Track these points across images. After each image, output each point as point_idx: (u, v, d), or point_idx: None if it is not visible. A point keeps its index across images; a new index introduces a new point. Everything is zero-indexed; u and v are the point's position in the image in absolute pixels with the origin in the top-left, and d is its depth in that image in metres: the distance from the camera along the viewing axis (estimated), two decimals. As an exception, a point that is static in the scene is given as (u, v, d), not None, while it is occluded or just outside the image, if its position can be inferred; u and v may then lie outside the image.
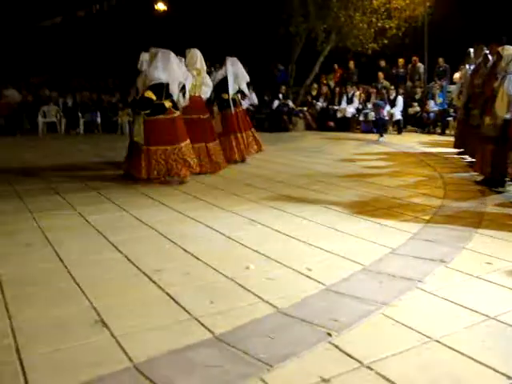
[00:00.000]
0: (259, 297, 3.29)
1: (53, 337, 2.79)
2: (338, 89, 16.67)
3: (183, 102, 7.89)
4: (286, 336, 2.76)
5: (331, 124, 15.76)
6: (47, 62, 21.18)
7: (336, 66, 17.84)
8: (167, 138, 7.43)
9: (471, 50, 9.64)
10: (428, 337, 2.71)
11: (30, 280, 3.68)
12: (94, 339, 2.76)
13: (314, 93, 17.26)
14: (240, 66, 9.63)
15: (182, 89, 7.75)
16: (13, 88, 17.46)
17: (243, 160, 9.47)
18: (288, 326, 2.89)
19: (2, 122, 16.36)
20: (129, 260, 4.07)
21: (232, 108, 9.37)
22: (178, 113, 7.68)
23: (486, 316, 2.96)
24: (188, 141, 7.64)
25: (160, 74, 7.31)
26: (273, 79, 17.97)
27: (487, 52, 8.31)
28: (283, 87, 16.95)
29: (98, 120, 16.74)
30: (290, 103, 16.59)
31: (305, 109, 16.70)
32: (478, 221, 5.13)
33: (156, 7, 22.55)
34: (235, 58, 9.58)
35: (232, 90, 9.37)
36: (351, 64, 17.45)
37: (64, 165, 9.59)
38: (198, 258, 4.07)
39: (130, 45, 15.10)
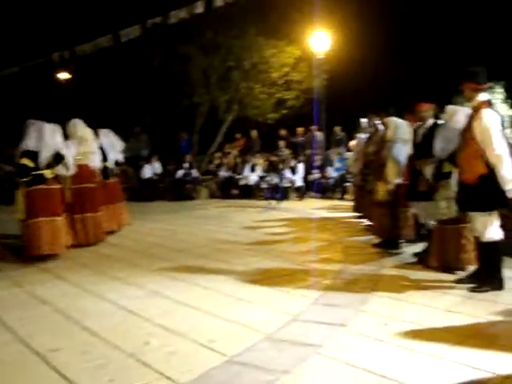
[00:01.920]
0: (160, 373, 3.20)
1: None
2: (240, 158, 17.06)
3: (66, 172, 7.80)
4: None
5: (235, 192, 16.00)
6: None
7: (238, 136, 18.33)
8: (49, 209, 7.21)
9: (363, 120, 10.24)
10: (328, 403, 2.74)
11: None
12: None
13: (218, 161, 17.55)
14: (112, 135, 9.81)
15: (61, 159, 7.66)
16: None
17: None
18: (189, 401, 2.82)
19: None
20: (21, 341, 3.84)
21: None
22: (60, 185, 7.54)
23: (384, 377, 3.04)
24: (61, 217, 7.43)
25: (31, 142, 7.20)
26: (177, 148, 18.15)
27: (378, 122, 8.86)
28: (188, 156, 17.12)
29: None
30: (194, 172, 16.74)
31: (208, 177, 16.90)
32: (375, 283, 5.33)
33: (58, 76, 22.34)
34: (107, 129, 9.71)
35: (110, 159, 9.52)
36: (253, 133, 17.99)
37: None
38: (97, 335, 3.91)
39: (30, 113, 14.77)
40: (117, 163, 10.02)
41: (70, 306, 4.70)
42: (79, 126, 8.48)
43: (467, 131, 4.91)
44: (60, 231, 7.23)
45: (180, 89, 16.54)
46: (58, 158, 7.48)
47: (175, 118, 18.23)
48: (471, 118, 4.90)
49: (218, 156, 17.76)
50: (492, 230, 4.91)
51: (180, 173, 16.61)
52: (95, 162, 8.71)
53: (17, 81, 21.62)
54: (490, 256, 4.97)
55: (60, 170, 7.61)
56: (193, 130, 18.50)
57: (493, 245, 4.93)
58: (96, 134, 9.09)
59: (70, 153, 7.86)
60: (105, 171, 9.31)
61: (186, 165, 16.81)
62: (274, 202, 13.57)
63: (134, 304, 4.70)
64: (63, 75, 22.46)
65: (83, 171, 8.27)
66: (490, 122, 4.72)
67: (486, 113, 4.74)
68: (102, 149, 9.19)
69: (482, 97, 4.90)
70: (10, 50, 19.40)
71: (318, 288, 5.16)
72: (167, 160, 17.33)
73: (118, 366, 3.33)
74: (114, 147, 9.77)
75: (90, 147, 8.53)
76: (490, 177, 4.74)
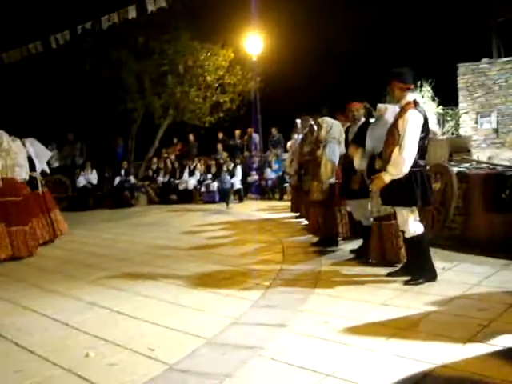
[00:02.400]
0: (99, 385, 3.13)
1: None
2: (178, 162, 16.97)
3: None
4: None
5: (174, 197, 15.90)
6: None
7: (175, 140, 18.22)
8: None
9: (298, 120, 10.40)
10: (270, 404, 2.76)
11: None
12: None
13: (155, 167, 17.38)
14: (39, 145, 9.57)
15: None
16: None
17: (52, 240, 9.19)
18: (130, 413, 2.78)
19: None
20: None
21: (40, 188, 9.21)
22: None
23: (325, 374, 3.08)
24: None
25: None
26: (113, 155, 17.86)
27: (312, 122, 9.00)
28: (125, 162, 16.88)
29: None
30: (132, 179, 16.52)
31: (146, 183, 16.72)
32: (314, 281, 5.40)
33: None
34: (33, 139, 9.46)
35: (38, 169, 9.27)
36: (191, 137, 17.94)
37: None
38: (32, 352, 3.79)
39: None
40: (43, 173, 9.71)
41: (3, 324, 4.53)
42: (3, 138, 8.21)
43: (393, 127, 5.07)
44: None
45: (114, 94, 16.28)
46: None
47: (110, 124, 17.93)
48: (398, 116, 5.07)
49: (155, 161, 17.60)
50: (413, 224, 5.09)
51: (117, 180, 16.35)
52: (21, 175, 8.44)
53: None
54: (417, 249, 5.14)
55: None
56: (128, 136, 18.25)
57: (417, 238, 5.10)
58: (23, 144, 8.83)
59: None
60: (32, 182, 9.03)
61: (123, 172, 16.56)
62: (225, 206, 13.57)
63: (71, 317, 4.57)
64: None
65: (8, 184, 8.02)
66: (412, 123, 4.89)
67: (410, 113, 4.91)
68: (29, 158, 8.91)
69: (410, 97, 5.07)
70: None
71: (258, 290, 5.18)
72: (103, 167, 17.02)
73: (54, 383, 3.24)
74: (41, 156, 9.45)
75: (15, 160, 8.27)
76: (414, 173, 4.93)
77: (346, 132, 6.79)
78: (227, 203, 13.84)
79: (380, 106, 5.99)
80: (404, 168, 4.88)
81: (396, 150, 4.91)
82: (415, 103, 5.00)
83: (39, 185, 9.21)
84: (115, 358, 3.56)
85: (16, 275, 6.70)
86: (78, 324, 4.38)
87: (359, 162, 6.03)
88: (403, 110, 4.98)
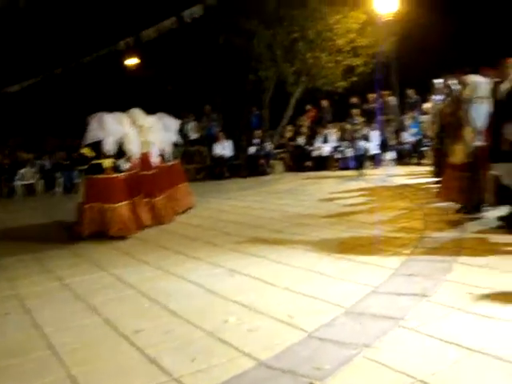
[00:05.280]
0: (240, 350, 3.21)
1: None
2: (311, 129, 16.88)
3: (127, 166, 8.05)
4: (269, 390, 2.70)
5: (309, 164, 15.86)
6: (20, 123, 21.16)
7: (309, 107, 18.09)
8: (104, 196, 7.60)
9: (435, 81, 9.83)
10: (412, 377, 2.66)
11: (8, 351, 3.57)
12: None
13: (290, 135, 17.42)
14: (167, 118, 9.81)
15: (123, 154, 7.94)
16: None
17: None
18: (270, 379, 2.82)
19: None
20: (107, 323, 3.98)
21: None
22: (117, 174, 7.84)
23: (471, 350, 2.91)
24: (125, 202, 7.69)
25: (93, 134, 7.63)
26: (248, 125, 18.16)
27: (453, 82, 8.45)
28: (259, 131, 17.11)
29: (76, 179, 16.61)
30: (268, 146, 16.72)
31: (282, 151, 16.84)
32: (458, 250, 5.13)
33: (127, 63, 22.75)
34: (161, 113, 9.69)
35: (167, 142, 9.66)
36: (324, 103, 17.70)
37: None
38: (177, 315, 3.99)
39: (103, 103, 15.21)
40: (176, 144, 10.09)
41: (152, 288, 4.82)
42: (138, 115, 8.63)
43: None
44: (121, 216, 7.49)
45: (247, 64, 16.48)
46: (120, 152, 7.78)
47: (244, 94, 18.21)
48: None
49: (290, 129, 17.63)
50: None
51: (252, 148, 16.64)
52: (154, 151, 8.87)
53: (85, 72, 22.19)
54: None
55: (121, 163, 7.89)
56: (262, 105, 18.43)
57: None
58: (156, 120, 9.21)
59: (134, 142, 8.10)
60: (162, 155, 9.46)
61: (257, 140, 16.80)
62: (359, 172, 13.34)
63: (212, 283, 4.76)
64: (130, 61, 22.82)
65: (143, 160, 8.49)
66: None
67: None
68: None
69: None
70: (74, 43, 19.89)
71: (398, 258, 5.02)
72: (239, 136, 17.37)
73: (198, 345, 3.38)
74: (170, 129, 9.76)
75: (149, 136, 8.68)
76: None
77: (495, 89, 6.26)
78: (361, 169, 13.55)
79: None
80: None
81: None
82: None
83: (170, 157, 9.64)
84: (254, 324, 3.64)
85: (161, 242, 7.09)
86: (219, 290, 4.53)
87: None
88: None
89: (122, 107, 8.65)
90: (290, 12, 16.16)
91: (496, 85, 6.27)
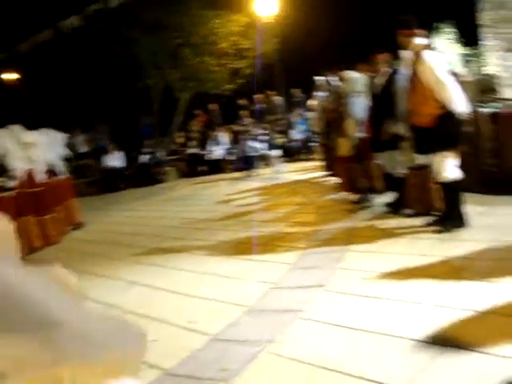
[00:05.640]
0: (144, 362, 3.17)
1: None
2: (202, 134, 16.94)
3: (11, 184, 7.78)
4: (176, 398, 2.69)
5: (203, 168, 15.90)
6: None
7: (198, 112, 18.13)
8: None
9: (317, 78, 10.18)
10: (315, 365, 2.76)
11: None
12: None
13: (181, 141, 17.38)
14: (52, 132, 9.54)
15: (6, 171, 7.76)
16: None
17: None
18: (177, 386, 2.82)
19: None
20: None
21: None
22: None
23: (370, 332, 3.06)
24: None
25: None
26: (138, 133, 17.91)
27: (333, 78, 8.79)
28: (150, 140, 16.92)
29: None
30: (159, 154, 16.57)
31: (174, 157, 16.76)
32: (349, 239, 5.36)
33: (4, 77, 21.66)
34: (45, 129, 9.37)
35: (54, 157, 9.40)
36: (212, 107, 17.82)
37: None
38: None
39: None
40: (67, 159, 9.80)
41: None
42: (19, 132, 8.28)
43: (413, 76, 4.95)
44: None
45: (131, 73, 16.24)
46: (2, 170, 7.48)
47: (132, 103, 17.95)
48: (414, 63, 4.96)
49: (181, 135, 17.58)
50: (450, 169, 4.97)
51: (144, 157, 16.43)
52: (40, 167, 8.56)
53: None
54: (452, 195, 5.04)
55: (5, 181, 7.61)
56: (151, 113, 18.25)
57: (453, 184, 4.99)
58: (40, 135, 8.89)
59: (17, 159, 7.82)
60: (52, 170, 9.14)
61: (148, 149, 16.62)
62: (248, 172, 13.53)
63: (111, 297, 4.64)
64: (8, 76, 21.74)
65: (28, 177, 8.16)
66: (433, 62, 4.79)
67: (426, 55, 4.81)
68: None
69: (419, 41, 4.97)
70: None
71: (295, 253, 5.17)
72: (130, 147, 17.09)
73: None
74: (55, 144, 9.43)
75: (33, 152, 8.36)
76: (444, 116, 4.81)
77: (372, 84, 6.61)
78: (253, 169, 13.79)
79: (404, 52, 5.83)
80: (458, 102, 4.76)
81: (439, 91, 4.78)
82: (428, 46, 4.90)
83: (57, 173, 9.32)
84: (157, 334, 3.59)
85: (59, 260, 6.81)
86: (119, 303, 4.45)
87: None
88: (417, 56, 4.89)
89: (1, 123, 8.25)
90: (173, 18, 16.12)
91: (371, 79, 6.64)
